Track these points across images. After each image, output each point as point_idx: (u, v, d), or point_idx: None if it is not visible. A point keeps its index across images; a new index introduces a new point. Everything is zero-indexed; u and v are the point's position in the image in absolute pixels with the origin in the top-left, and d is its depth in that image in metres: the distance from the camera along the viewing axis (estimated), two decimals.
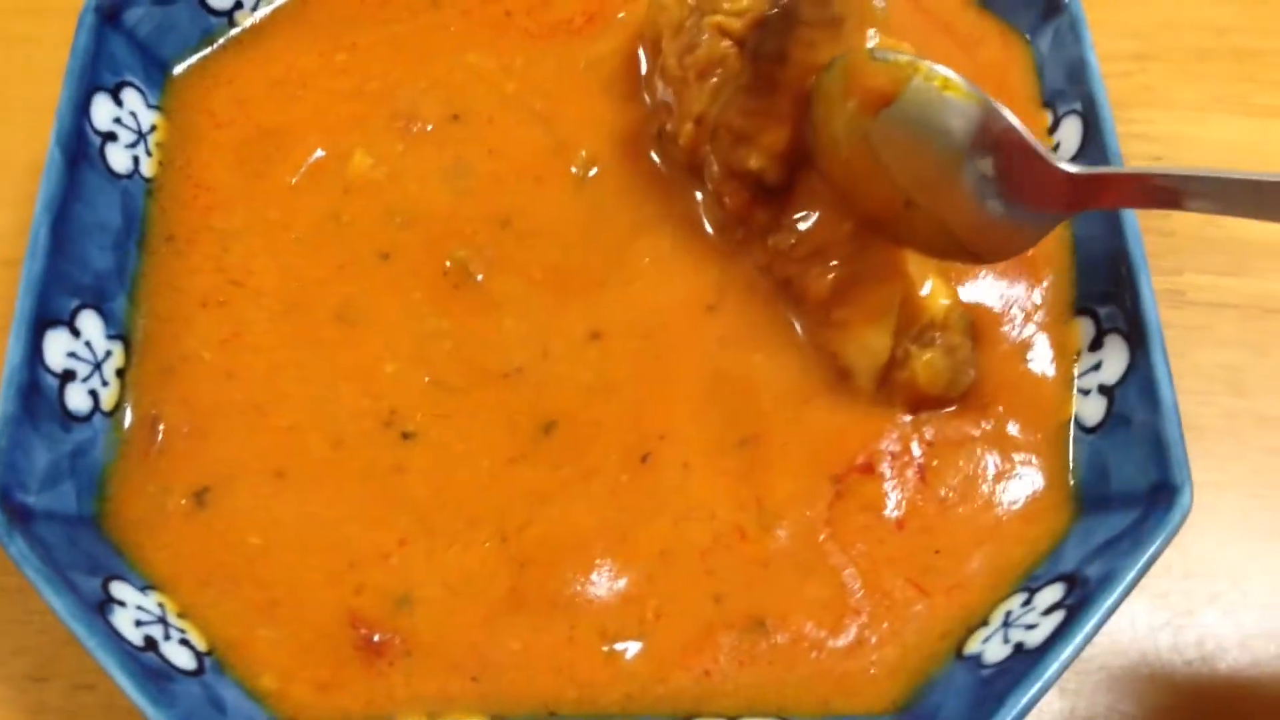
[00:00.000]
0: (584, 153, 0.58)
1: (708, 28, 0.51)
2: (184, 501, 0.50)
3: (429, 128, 0.59)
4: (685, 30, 0.53)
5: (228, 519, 0.50)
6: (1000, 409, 0.52)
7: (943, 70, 0.46)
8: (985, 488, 0.51)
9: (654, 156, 0.58)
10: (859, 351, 0.51)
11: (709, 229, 0.56)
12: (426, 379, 0.53)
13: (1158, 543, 0.45)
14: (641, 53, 0.60)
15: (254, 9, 0.62)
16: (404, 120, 0.59)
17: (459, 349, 0.53)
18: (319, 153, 0.58)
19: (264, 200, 0.57)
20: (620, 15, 0.61)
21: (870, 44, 0.49)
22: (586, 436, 0.52)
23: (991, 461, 0.51)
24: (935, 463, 0.51)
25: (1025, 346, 0.54)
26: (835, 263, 0.51)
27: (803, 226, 0.52)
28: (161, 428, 0.51)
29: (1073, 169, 0.46)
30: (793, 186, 0.52)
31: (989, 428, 0.52)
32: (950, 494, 0.51)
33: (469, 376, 0.53)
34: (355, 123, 0.59)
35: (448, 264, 0.55)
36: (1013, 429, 0.52)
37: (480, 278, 0.55)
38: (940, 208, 0.48)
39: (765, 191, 0.53)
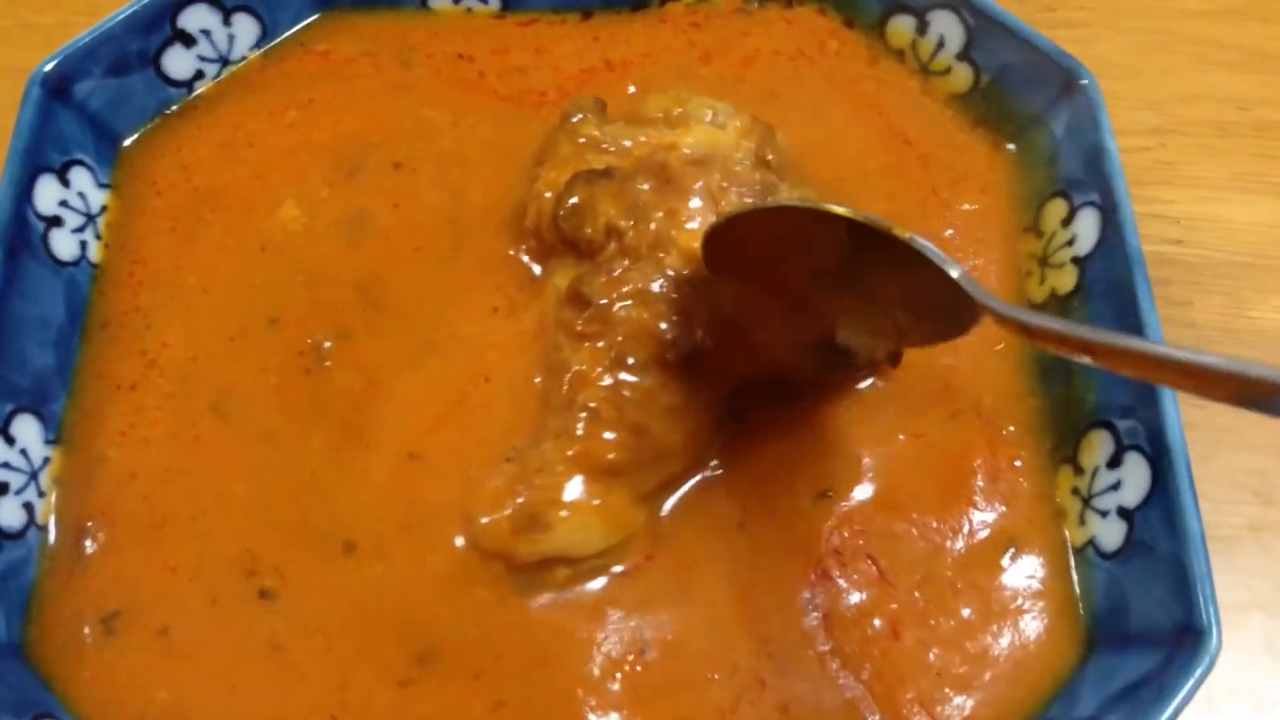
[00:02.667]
0: (465, 232, 0.55)
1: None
2: (91, 630, 0.46)
3: (358, 177, 0.56)
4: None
5: (133, 660, 0.46)
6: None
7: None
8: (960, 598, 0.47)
9: (524, 257, 0.54)
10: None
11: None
12: (267, 514, 0.48)
13: (1184, 693, 0.41)
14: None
15: (216, 76, 0.59)
16: (345, 172, 0.56)
17: (291, 483, 0.49)
18: (250, 208, 0.56)
19: (189, 266, 0.54)
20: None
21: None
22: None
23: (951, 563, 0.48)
24: (885, 562, 0.47)
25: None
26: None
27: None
28: (88, 542, 0.48)
29: (995, 305, 0.42)
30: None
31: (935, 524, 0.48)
32: (919, 596, 0.47)
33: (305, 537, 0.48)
34: (295, 175, 0.57)
35: (308, 341, 0.52)
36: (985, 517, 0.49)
37: (329, 364, 0.52)
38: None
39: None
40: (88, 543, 0.48)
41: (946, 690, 0.45)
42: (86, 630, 0.46)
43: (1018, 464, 0.49)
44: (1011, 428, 0.50)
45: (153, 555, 0.47)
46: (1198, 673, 0.42)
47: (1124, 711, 0.42)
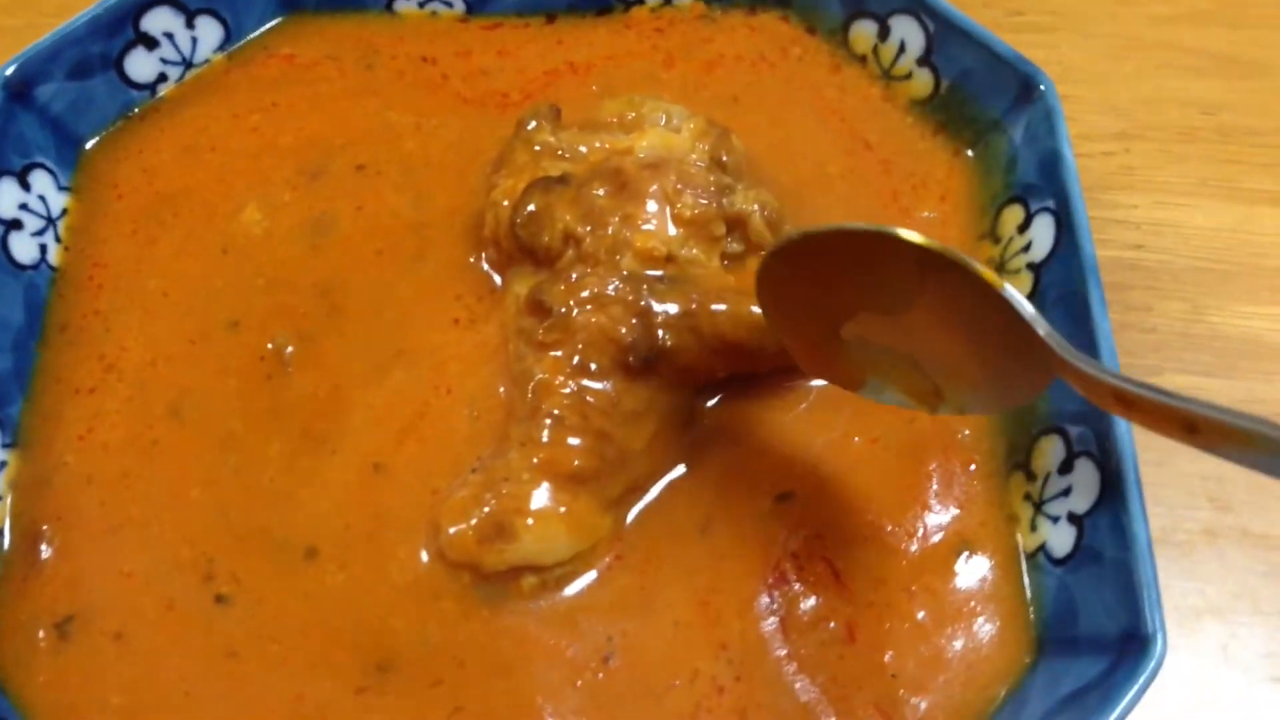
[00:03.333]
0: (427, 237, 0.55)
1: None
2: (45, 634, 0.46)
3: (321, 180, 0.57)
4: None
5: (87, 664, 0.46)
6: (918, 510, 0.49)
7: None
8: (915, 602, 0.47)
9: (484, 265, 0.54)
10: None
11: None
12: (224, 520, 0.49)
13: (1128, 699, 0.42)
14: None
15: (179, 79, 0.59)
16: (308, 175, 0.57)
17: (250, 489, 0.49)
18: (211, 211, 0.56)
19: (149, 269, 0.54)
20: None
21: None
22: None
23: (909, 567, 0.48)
24: (840, 564, 0.48)
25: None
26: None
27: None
28: (43, 546, 0.48)
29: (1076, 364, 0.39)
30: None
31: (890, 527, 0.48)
32: (874, 599, 0.47)
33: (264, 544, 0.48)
34: (258, 179, 0.57)
35: (269, 346, 0.52)
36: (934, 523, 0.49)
37: (290, 369, 0.52)
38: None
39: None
40: (43, 547, 0.48)
41: (901, 692, 0.46)
42: (41, 634, 0.46)
43: (972, 468, 0.50)
44: (966, 432, 0.50)
45: (108, 560, 0.48)
46: (1141, 679, 0.42)
47: (1070, 716, 0.42)
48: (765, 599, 0.47)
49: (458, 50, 0.61)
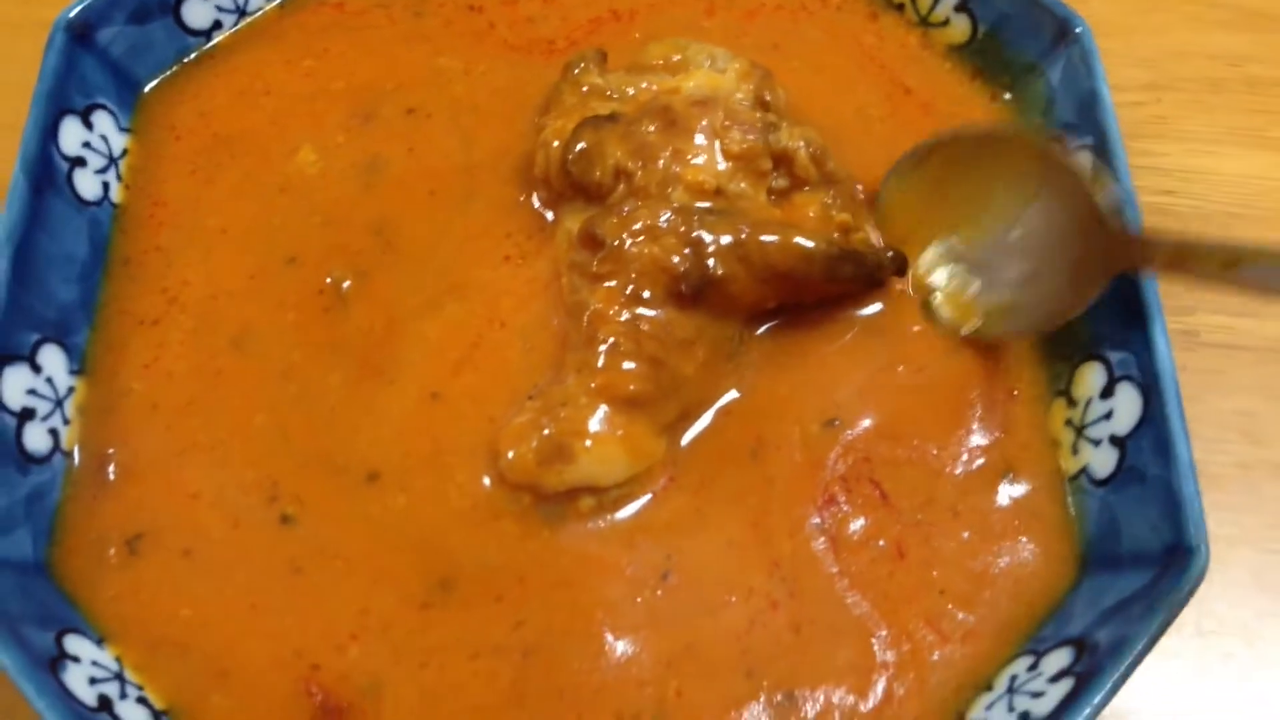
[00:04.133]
0: (477, 178, 0.56)
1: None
2: (116, 551, 0.47)
3: (373, 123, 0.58)
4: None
5: (156, 579, 0.47)
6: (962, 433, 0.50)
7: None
8: (960, 521, 0.49)
9: (535, 203, 0.56)
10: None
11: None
12: (287, 445, 0.50)
13: (1172, 608, 0.43)
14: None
15: (233, 26, 0.60)
16: (361, 118, 0.58)
17: (311, 416, 0.51)
18: (267, 153, 0.57)
19: (208, 207, 0.56)
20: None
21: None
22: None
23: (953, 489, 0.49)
24: (888, 486, 0.49)
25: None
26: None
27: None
28: (111, 468, 0.49)
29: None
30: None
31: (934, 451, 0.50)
32: (922, 519, 0.48)
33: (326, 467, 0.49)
34: (311, 121, 0.58)
35: (327, 281, 0.53)
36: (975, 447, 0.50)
37: (347, 303, 0.53)
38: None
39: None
40: (110, 468, 0.49)
41: (949, 607, 0.47)
42: (111, 551, 0.47)
43: (1015, 394, 0.51)
44: (1008, 362, 0.52)
45: (174, 482, 0.49)
46: (1186, 589, 0.43)
47: (1114, 627, 0.43)
48: (815, 519, 0.49)
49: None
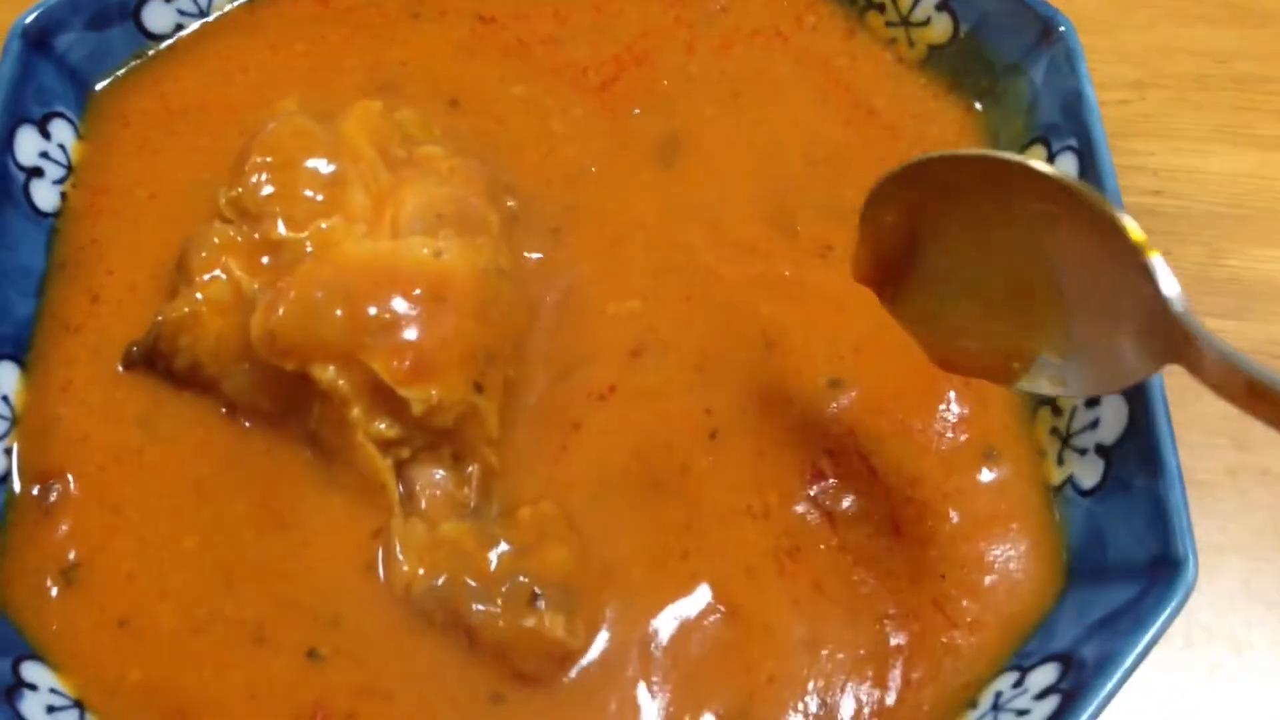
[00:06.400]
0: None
1: None
2: (52, 581, 0.45)
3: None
4: None
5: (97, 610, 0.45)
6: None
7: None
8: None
9: None
10: None
11: None
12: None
13: (1160, 622, 0.42)
14: None
15: (197, 28, 0.59)
16: (378, 86, 0.56)
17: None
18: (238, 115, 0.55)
19: (146, 177, 0.53)
20: None
21: None
22: None
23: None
24: (874, 461, 0.48)
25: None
26: None
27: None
28: (52, 493, 0.47)
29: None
30: None
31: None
32: (913, 499, 0.48)
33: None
34: (313, 84, 0.56)
35: None
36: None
37: None
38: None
39: None
40: (52, 495, 0.47)
41: (953, 593, 0.46)
42: (48, 581, 0.45)
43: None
44: None
45: (115, 523, 0.46)
46: (1174, 602, 0.42)
47: (1100, 642, 0.42)
48: (809, 491, 0.48)
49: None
